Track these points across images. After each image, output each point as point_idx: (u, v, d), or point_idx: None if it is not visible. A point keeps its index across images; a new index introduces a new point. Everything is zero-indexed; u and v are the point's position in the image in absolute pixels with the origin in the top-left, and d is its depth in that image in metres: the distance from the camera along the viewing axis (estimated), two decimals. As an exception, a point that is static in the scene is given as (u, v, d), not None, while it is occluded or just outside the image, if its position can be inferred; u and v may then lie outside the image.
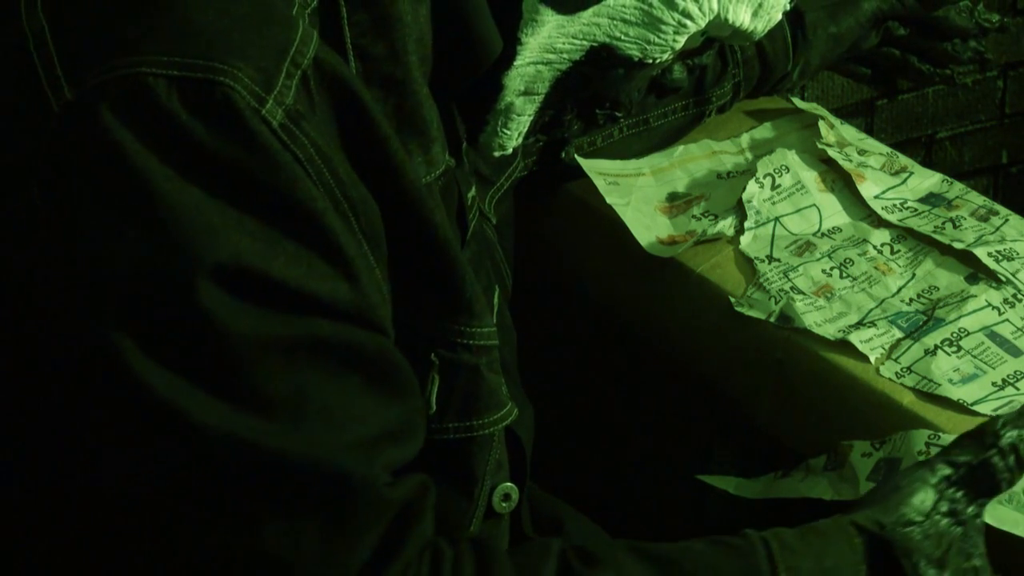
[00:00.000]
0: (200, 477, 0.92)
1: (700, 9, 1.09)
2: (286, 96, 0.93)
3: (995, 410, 1.27)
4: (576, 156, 1.55)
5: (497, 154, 1.15)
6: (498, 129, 1.13)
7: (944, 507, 1.07)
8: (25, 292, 0.95)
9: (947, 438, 1.22)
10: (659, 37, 1.09)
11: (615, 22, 1.08)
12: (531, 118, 1.13)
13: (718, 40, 1.16)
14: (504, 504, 1.15)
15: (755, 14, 1.13)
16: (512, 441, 1.17)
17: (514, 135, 1.14)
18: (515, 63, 1.08)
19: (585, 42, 1.08)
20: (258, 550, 0.93)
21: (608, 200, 1.50)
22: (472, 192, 1.19)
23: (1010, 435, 1.08)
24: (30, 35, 0.95)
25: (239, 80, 0.92)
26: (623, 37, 1.09)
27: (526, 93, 1.11)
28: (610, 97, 1.16)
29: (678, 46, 1.11)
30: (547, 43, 1.08)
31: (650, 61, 1.11)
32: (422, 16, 1.04)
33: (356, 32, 1.01)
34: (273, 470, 0.92)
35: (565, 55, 1.09)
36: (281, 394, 0.92)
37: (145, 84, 0.91)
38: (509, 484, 1.14)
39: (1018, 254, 1.43)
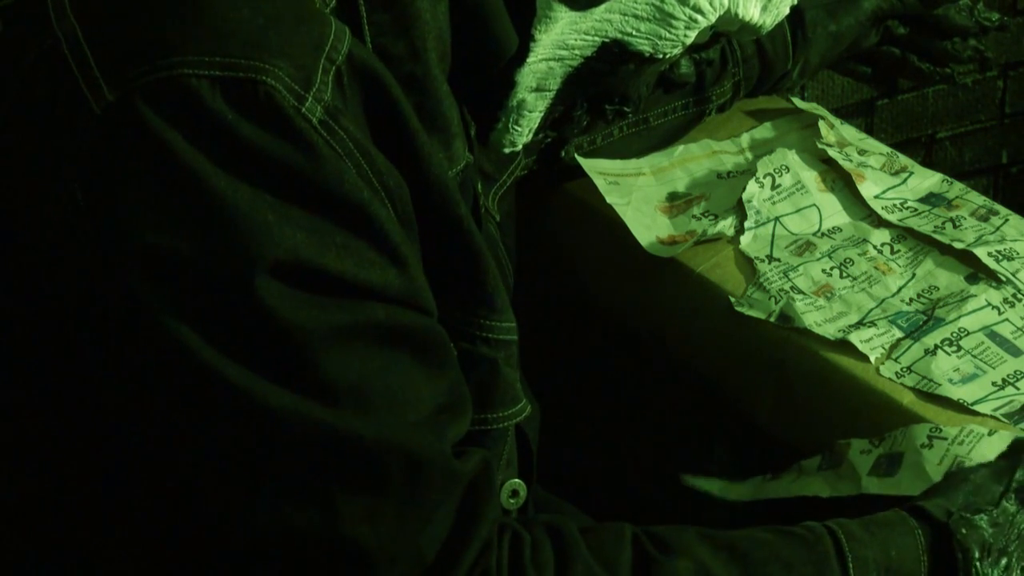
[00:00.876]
0: (277, 462, 0.94)
1: (711, 4, 1.10)
2: (324, 93, 0.95)
3: (995, 410, 1.27)
4: (576, 155, 1.55)
5: (507, 150, 1.16)
6: (509, 126, 1.13)
7: (1012, 498, 1.10)
8: (62, 289, 0.96)
9: (949, 431, 1.22)
10: (670, 32, 1.10)
11: (627, 18, 1.08)
12: (542, 114, 1.14)
13: (726, 35, 1.17)
14: (512, 501, 1.15)
15: (764, 8, 1.14)
16: (520, 438, 1.17)
17: (525, 131, 1.14)
18: (528, 60, 1.09)
19: (597, 38, 1.09)
20: (336, 532, 0.95)
21: (608, 200, 1.50)
22: (479, 189, 1.20)
23: None
24: (62, 37, 0.96)
25: (280, 79, 0.93)
26: (635, 33, 1.09)
27: (538, 89, 1.11)
28: (620, 92, 1.16)
29: (688, 41, 1.11)
30: (560, 39, 1.08)
31: (660, 56, 1.11)
32: (441, 13, 1.04)
33: (376, 31, 1.02)
34: (348, 453, 0.94)
35: (577, 51, 1.09)
36: (347, 380, 0.94)
37: (189, 85, 0.92)
38: (517, 480, 1.15)
39: (1018, 254, 1.43)
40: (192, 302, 0.92)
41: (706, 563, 1.03)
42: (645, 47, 1.10)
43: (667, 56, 1.12)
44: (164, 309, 0.92)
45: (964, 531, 1.08)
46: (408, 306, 0.98)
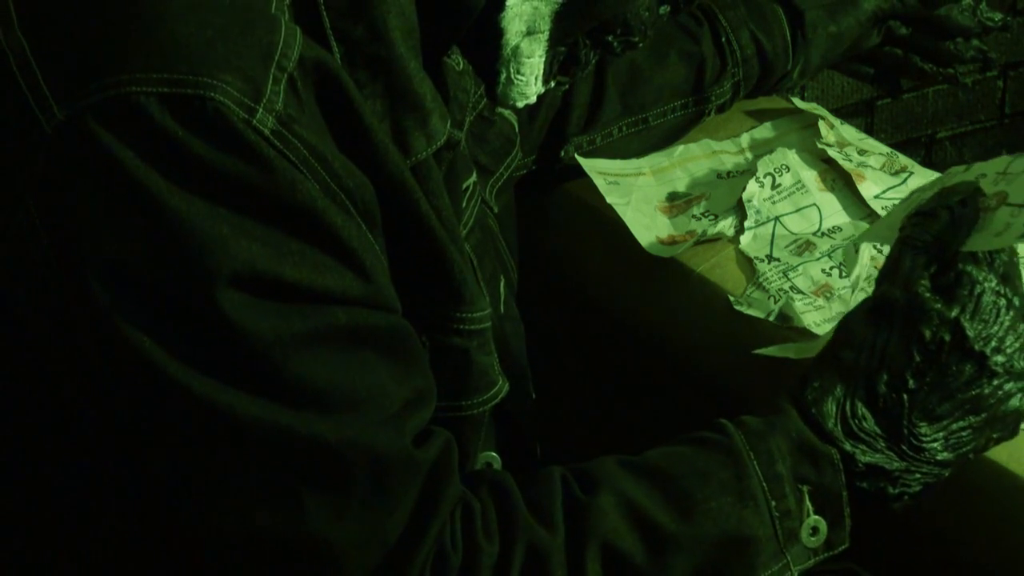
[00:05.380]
0: (243, 467, 0.95)
1: None
2: (275, 102, 0.95)
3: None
4: (576, 155, 1.54)
5: (521, 104, 1.13)
6: (512, 77, 1.11)
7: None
8: (26, 310, 0.96)
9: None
10: None
11: None
12: (543, 59, 1.11)
13: None
14: None
15: None
16: (502, 418, 1.17)
17: (531, 80, 1.11)
18: (507, 3, 1.06)
19: None
20: (303, 530, 0.96)
21: (608, 200, 1.50)
22: (473, 178, 1.19)
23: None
24: (10, 53, 0.96)
25: (228, 94, 0.93)
26: None
27: (529, 33, 1.09)
28: (619, 21, 1.13)
29: None
30: None
31: None
32: None
33: (334, 16, 1.01)
34: (312, 454, 0.95)
35: None
36: (312, 384, 0.95)
37: (138, 103, 0.92)
38: (492, 454, 1.16)
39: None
40: (155, 316, 0.93)
41: (627, 492, 1.06)
42: None
43: None
44: (127, 323, 0.92)
45: (815, 408, 1.11)
46: (370, 306, 0.98)
